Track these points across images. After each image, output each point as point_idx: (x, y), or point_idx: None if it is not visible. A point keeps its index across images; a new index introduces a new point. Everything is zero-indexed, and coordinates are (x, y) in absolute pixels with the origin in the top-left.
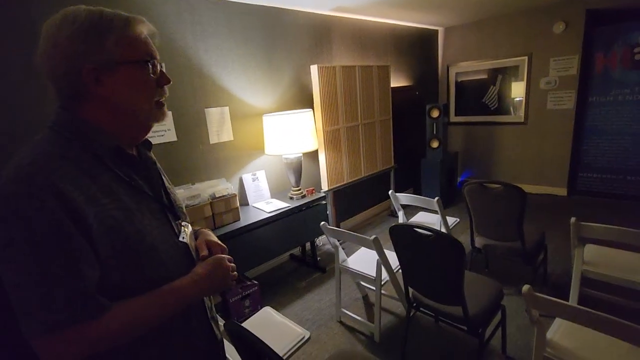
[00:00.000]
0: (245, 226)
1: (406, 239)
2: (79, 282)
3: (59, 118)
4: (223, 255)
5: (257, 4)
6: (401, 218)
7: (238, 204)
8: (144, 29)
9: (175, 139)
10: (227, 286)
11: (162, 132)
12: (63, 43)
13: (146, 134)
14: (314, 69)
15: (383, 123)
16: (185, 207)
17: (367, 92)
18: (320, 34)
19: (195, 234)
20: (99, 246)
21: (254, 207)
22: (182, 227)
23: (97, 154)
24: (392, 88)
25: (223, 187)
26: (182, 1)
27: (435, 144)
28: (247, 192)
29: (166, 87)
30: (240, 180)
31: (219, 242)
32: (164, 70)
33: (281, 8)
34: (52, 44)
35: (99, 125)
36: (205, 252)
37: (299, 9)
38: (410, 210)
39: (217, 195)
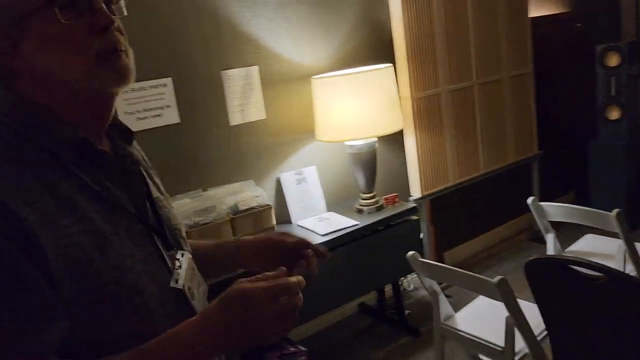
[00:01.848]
0: None
1: (557, 284)
2: (33, 347)
3: (2, 102)
4: (274, 282)
5: None
6: (551, 245)
7: (274, 222)
8: None
9: (177, 120)
10: (264, 341)
11: (158, 111)
12: None
13: (107, 112)
14: None
15: (517, 81)
16: (193, 226)
17: (486, 30)
18: None
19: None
20: (58, 286)
21: (299, 226)
22: (177, 261)
23: (54, 151)
24: (533, 19)
25: (250, 193)
26: None
27: (614, 114)
28: (288, 202)
29: (116, 33)
30: (278, 183)
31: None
32: (121, 5)
33: None
34: None
35: (50, 108)
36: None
37: None
38: (568, 231)
39: (241, 208)
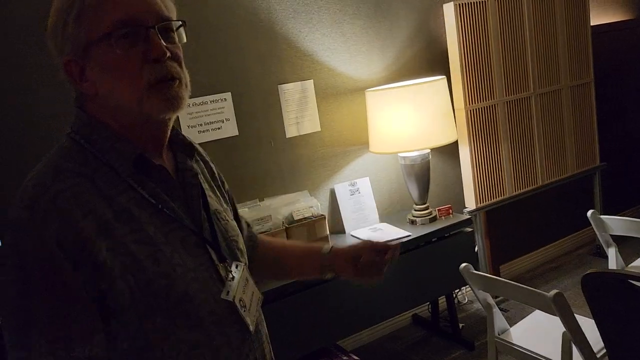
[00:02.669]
0: None
1: (616, 299)
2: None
3: (76, 121)
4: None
5: None
6: (612, 260)
7: (328, 232)
8: None
9: (236, 132)
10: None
11: (218, 124)
12: (48, 32)
13: (163, 134)
14: (448, 10)
15: (577, 91)
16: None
17: (545, 40)
18: None
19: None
20: (111, 294)
21: (352, 236)
22: (230, 273)
23: (114, 167)
24: (595, 27)
25: (305, 204)
26: None
27: None
28: (342, 213)
29: (169, 63)
30: (332, 194)
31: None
32: (182, 34)
33: None
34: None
35: (112, 128)
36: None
37: None
38: (632, 246)
39: (295, 218)
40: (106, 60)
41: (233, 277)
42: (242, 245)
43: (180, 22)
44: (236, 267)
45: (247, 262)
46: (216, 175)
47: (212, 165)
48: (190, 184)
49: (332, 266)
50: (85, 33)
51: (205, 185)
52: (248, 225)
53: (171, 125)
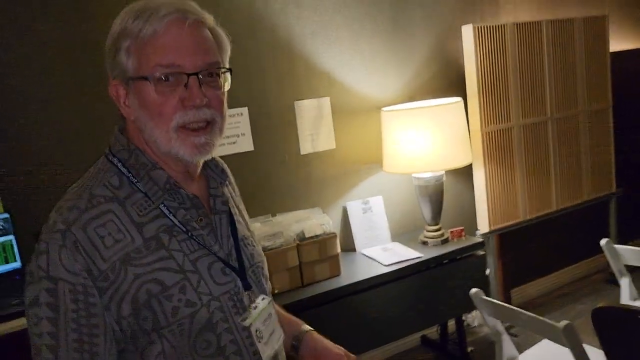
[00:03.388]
0: (349, 286)
1: (627, 334)
2: None
3: (115, 143)
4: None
5: None
6: (625, 291)
7: (339, 250)
8: (174, 22)
9: (251, 147)
10: None
11: (234, 139)
12: (106, 53)
13: (193, 168)
14: (467, 32)
15: (595, 116)
16: (262, 250)
17: (562, 65)
18: None
19: (297, 339)
20: (135, 319)
21: (363, 254)
22: (254, 302)
23: (149, 194)
24: (614, 54)
25: (317, 221)
26: None
27: None
28: (353, 231)
29: (205, 110)
30: (344, 211)
31: (340, 349)
32: (226, 81)
33: None
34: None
35: (151, 156)
36: None
37: None
38: None
39: (307, 235)
40: (145, 97)
41: (256, 307)
42: (267, 271)
43: (226, 68)
44: (262, 299)
45: (271, 288)
46: (235, 192)
47: (233, 188)
48: (220, 210)
49: (299, 350)
50: (132, 66)
51: (235, 211)
52: None
53: (202, 162)
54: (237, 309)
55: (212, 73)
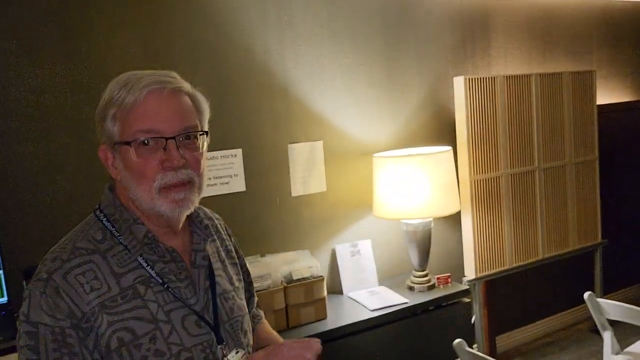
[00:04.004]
0: (334, 330)
1: None
2: None
3: (104, 199)
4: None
5: None
6: (608, 345)
7: (325, 293)
8: (154, 92)
9: (243, 188)
10: None
11: (227, 179)
12: (95, 119)
13: (175, 223)
14: (458, 83)
15: (582, 168)
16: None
17: (551, 117)
18: (470, 27)
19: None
20: None
21: (350, 298)
22: (226, 358)
23: (128, 247)
24: (601, 107)
25: (305, 264)
26: None
27: None
28: (341, 273)
29: (183, 171)
30: (333, 254)
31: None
32: (203, 141)
33: None
34: None
35: (134, 212)
36: None
37: None
38: (630, 326)
39: (294, 277)
40: (128, 160)
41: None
42: (247, 325)
43: (202, 132)
44: (236, 352)
45: (251, 341)
46: (233, 252)
47: (232, 240)
48: (200, 265)
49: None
50: (117, 131)
51: (218, 265)
52: (258, 305)
53: (183, 218)
54: None
55: (189, 136)
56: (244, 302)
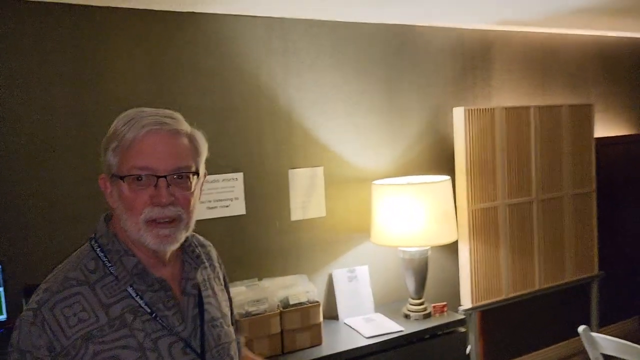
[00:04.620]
0: (329, 357)
1: None
2: None
3: (98, 229)
4: None
5: (379, 22)
6: None
7: (321, 319)
8: (152, 132)
9: (243, 212)
10: None
11: (227, 202)
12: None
13: (163, 255)
14: (458, 113)
15: (579, 199)
16: (245, 316)
17: (549, 148)
18: (471, 59)
19: None
20: None
21: (346, 324)
22: None
23: (118, 277)
24: (598, 140)
25: (302, 289)
26: (275, 25)
27: None
28: (337, 299)
29: (171, 208)
30: (330, 279)
31: None
32: (196, 181)
33: (411, 25)
34: None
35: (126, 242)
36: None
37: (439, 25)
38: None
39: (291, 302)
40: (122, 192)
41: None
42: (233, 351)
43: (193, 172)
44: None
45: None
46: (221, 278)
47: (222, 268)
48: (190, 293)
49: None
50: (115, 164)
51: (208, 292)
52: (237, 329)
53: (170, 252)
54: None
55: (181, 175)
56: (232, 329)
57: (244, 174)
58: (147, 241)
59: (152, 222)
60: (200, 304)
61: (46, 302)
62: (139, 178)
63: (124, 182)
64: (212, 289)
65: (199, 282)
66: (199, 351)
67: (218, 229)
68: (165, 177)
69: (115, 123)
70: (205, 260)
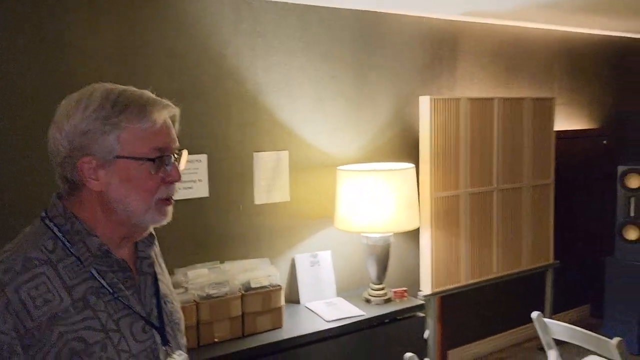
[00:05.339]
0: (289, 340)
1: None
2: None
3: (52, 209)
4: None
5: (349, 7)
6: None
7: (283, 302)
8: (164, 114)
9: (206, 194)
10: None
11: (190, 184)
12: (68, 130)
13: (142, 234)
14: (424, 102)
15: (538, 191)
16: (205, 298)
17: (511, 140)
18: (438, 49)
19: None
20: None
21: (307, 308)
22: (171, 358)
23: (80, 258)
24: (559, 133)
25: (263, 272)
26: (243, 5)
27: (632, 235)
28: (299, 283)
29: (174, 185)
30: (292, 263)
31: None
32: (184, 159)
33: (382, 13)
34: (59, 128)
35: (88, 223)
36: None
37: (407, 14)
38: (573, 346)
39: (252, 285)
40: (130, 174)
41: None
42: (183, 327)
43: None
44: (179, 355)
45: (186, 342)
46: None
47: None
48: (146, 272)
49: None
50: (124, 147)
51: (158, 269)
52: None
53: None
54: None
55: (178, 153)
56: (179, 306)
57: (208, 156)
58: (156, 218)
59: (164, 201)
60: (155, 282)
61: (9, 282)
62: (157, 159)
63: (140, 162)
64: (161, 265)
65: (154, 261)
66: (159, 327)
67: (180, 211)
68: (174, 155)
69: (98, 105)
70: (155, 238)
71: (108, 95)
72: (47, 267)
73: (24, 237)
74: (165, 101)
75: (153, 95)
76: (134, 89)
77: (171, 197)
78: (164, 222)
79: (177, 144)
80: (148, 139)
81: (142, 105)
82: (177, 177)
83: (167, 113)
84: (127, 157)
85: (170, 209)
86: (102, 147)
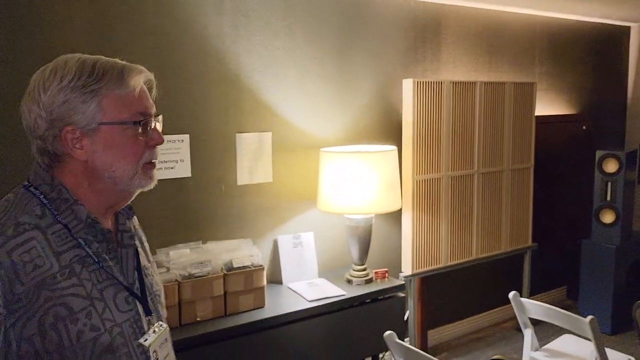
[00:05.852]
0: (271, 319)
1: None
2: None
3: (36, 177)
4: None
5: None
6: (528, 341)
7: (265, 282)
8: (141, 79)
9: (188, 174)
10: None
11: (172, 164)
12: (46, 102)
13: (128, 201)
14: (407, 85)
15: (518, 174)
16: (187, 278)
17: (492, 123)
18: (422, 32)
19: None
20: (40, 339)
21: (289, 288)
22: (153, 326)
23: (68, 226)
24: (539, 118)
25: (246, 252)
26: None
27: (608, 218)
28: (282, 264)
29: (157, 148)
30: (275, 244)
31: None
32: (159, 124)
33: None
34: (35, 100)
35: (74, 191)
36: None
37: None
38: (549, 327)
39: (235, 265)
40: (115, 140)
41: (154, 331)
42: (163, 299)
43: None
44: (160, 325)
45: (166, 314)
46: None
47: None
48: (127, 244)
49: None
50: (106, 113)
51: (137, 242)
52: None
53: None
54: (136, 335)
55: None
56: (159, 278)
57: (190, 136)
58: (143, 183)
59: (149, 164)
60: (136, 254)
61: (2, 246)
62: (141, 123)
63: (124, 127)
64: (140, 238)
65: (134, 233)
66: (141, 297)
67: (163, 190)
68: (154, 118)
69: (74, 76)
70: (134, 211)
71: (83, 64)
72: (37, 232)
73: (9, 203)
74: (140, 67)
75: (126, 62)
76: (106, 57)
77: (155, 161)
78: (151, 186)
79: (155, 109)
80: (129, 103)
81: (119, 71)
82: (160, 140)
83: (142, 78)
84: (111, 123)
85: (155, 172)
86: (84, 116)
